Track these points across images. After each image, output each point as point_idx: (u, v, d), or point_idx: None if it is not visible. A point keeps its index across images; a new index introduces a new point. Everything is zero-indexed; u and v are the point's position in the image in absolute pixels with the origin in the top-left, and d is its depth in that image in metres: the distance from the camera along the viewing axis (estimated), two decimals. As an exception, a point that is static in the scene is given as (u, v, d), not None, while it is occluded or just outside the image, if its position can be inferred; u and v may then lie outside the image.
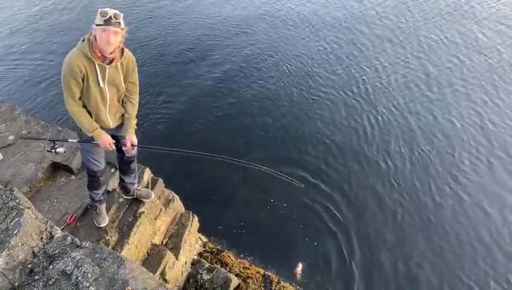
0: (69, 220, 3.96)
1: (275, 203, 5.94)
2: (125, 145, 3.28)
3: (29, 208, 2.79)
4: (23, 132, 5.03)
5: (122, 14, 2.73)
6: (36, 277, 2.38)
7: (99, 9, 2.68)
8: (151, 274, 2.57)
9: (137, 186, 4.18)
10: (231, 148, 6.89)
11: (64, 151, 3.51)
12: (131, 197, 4.18)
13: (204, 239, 5.14)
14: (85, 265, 2.40)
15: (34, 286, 2.32)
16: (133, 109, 3.30)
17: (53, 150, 3.39)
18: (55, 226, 2.80)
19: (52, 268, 2.40)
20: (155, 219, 4.30)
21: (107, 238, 3.79)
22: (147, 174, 4.57)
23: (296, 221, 5.74)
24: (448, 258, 5.47)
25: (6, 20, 11.95)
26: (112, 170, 4.47)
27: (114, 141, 3.22)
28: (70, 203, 4.18)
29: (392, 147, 7.16)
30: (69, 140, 3.60)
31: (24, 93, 8.54)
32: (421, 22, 11.24)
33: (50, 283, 2.33)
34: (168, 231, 4.52)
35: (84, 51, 2.74)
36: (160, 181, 4.63)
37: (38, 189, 4.39)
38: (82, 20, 11.56)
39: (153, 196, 4.27)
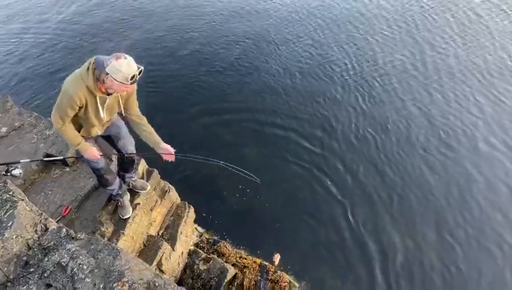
0: (64, 212, 3.95)
1: (270, 191, 5.95)
2: (163, 157, 3.24)
3: (23, 200, 2.78)
4: (16, 124, 4.98)
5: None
6: (31, 269, 2.37)
7: (122, 64, 2.53)
8: (147, 265, 2.57)
9: (134, 177, 4.18)
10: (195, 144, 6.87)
11: (20, 173, 3.51)
12: (127, 188, 4.17)
13: (201, 230, 5.14)
14: (80, 257, 2.39)
15: (29, 279, 2.31)
16: (155, 135, 3.25)
17: (8, 174, 3.36)
18: (49, 218, 2.79)
19: (47, 260, 2.39)
20: (151, 210, 4.29)
21: (103, 229, 3.78)
22: (142, 166, 4.55)
23: (292, 210, 5.75)
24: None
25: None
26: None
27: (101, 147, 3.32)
28: (65, 195, 4.16)
29: (380, 129, 7.22)
30: (21, 161, 3.62)
31: (16, 85, 8.45)
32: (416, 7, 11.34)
33: (45, 275, 2.32)
34: (164, 222, 4.51)
35: (88, 85, 2.67)
36: (156, 172, 4.61)
37: (32, 181, 4.36)
38: (81, 14, 11.50)
39: (148, 187, 4.28)
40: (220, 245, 4.87)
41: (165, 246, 4.08)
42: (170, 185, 4.72)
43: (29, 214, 2.67)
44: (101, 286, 2.27)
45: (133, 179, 4.16)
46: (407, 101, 7.79)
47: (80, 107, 2.80)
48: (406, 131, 7.09)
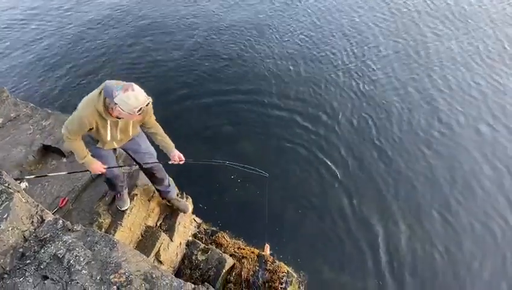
0: (61, 203, 3.93)
1: (270, 181, 5.91)
2: (173, 159, 3.40)
3: (19, 191, 2.75)
4: (12, 115, 4.94)
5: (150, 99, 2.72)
6: (27, 261, 2.36)
7: (129, 97, 2.58)
8: (144, 257, 2.56)
9: (171, 193, 4.23)
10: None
11: (26, 186, 3.73)
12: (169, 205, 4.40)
13: (199, 220, 5.12)
14: (77, 249, 2.38)
15: (26, 270, 2.30)
16: (167, 141, 3.39)
17: None
18: (46, 209, 2.77)
19: (44, 252, 2.38)
20: (148, 200, 4.28)
21: (100, 221, 3.77)
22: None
23: (292, 200, 5.73)
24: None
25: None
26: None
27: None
28: (62, 186, 4.14)
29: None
30: (25, 177, 3.84)
31: (12, 75, 8.38)
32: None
33: (42, 267, 2.31)
34: (162, 213, 4.50)
35: (98, 109, 2.76)
36: (153, 163, 4.58)
37: (29, 172, 4.33)
38: (81, 7, 11.37)
39: (189, 210, 4.45)
40: (218, 236, 4.86)
41: (163, 237, 4.08)
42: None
43: (25, 205, 2.65)
44: (98, 278, 2.26)
45: (170, 194, 4.22)
46: (409, 85, 7.87)
47: (90, 129, 2.90)
48: (407, 115, 7.16)
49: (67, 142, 3.01)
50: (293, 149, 6.52)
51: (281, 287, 4.26)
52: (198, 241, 4.63)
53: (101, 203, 3.96)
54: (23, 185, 3.64)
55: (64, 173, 3.98)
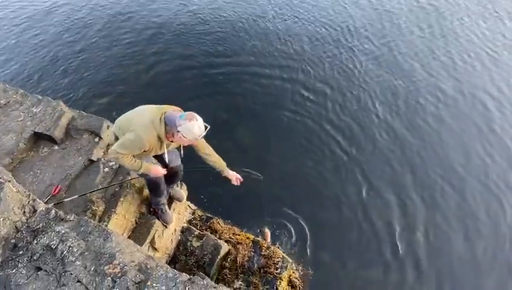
0: (54, 191, 3.89)
1: (267, 166, 5.89)
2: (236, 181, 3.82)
3: (9, 181, 2.71)
4: (2, 102, 4.84)
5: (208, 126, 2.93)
6: (20, 252, 2.33)
7: (194, 126, 2.76)
8: (139, 247, 2.54)
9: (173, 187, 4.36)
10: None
11: None
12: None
13: (193, 207, 5.11)
14: (70, 239, 2.35)
15: (19, 262, 2.27)
16: (220, 161, 3.72)
17: None
18: (37, 199, 2.73)
19: (36, 243, 2.35)
20: (143, 187, 4.25)
21: (94, 208, 3.74)
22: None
23: (285, 186, 5.73)
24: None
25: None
26: (96, 139, 4.42)
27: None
28: (54, 174, 4.09)
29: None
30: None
31: (0, 61, 8.21)
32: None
33: (34, 258, 2.28)
34: (157, 200, 4.48)
35: (160, 134, 2.92)
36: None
37: (20, 160, 4.28)
38: None
39: (184, 198, 4.58)
40: (213, 222, 4.85)
41: (158, 224, 4.06)
42: (162, 163, 4.66)
43: (16, 195, 2.60)
44: (92, 269, 2.24)
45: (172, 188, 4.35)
46: (412, 59, 7.93)
47: (145, 151, 3.06)
48: (413, 90, 7.19)
49: (119, 160, 3.08)
50: (292, 135, 6.43)
51: (276, 273, 4.29)
52: (193, 227, 4.63)
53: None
54: None
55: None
